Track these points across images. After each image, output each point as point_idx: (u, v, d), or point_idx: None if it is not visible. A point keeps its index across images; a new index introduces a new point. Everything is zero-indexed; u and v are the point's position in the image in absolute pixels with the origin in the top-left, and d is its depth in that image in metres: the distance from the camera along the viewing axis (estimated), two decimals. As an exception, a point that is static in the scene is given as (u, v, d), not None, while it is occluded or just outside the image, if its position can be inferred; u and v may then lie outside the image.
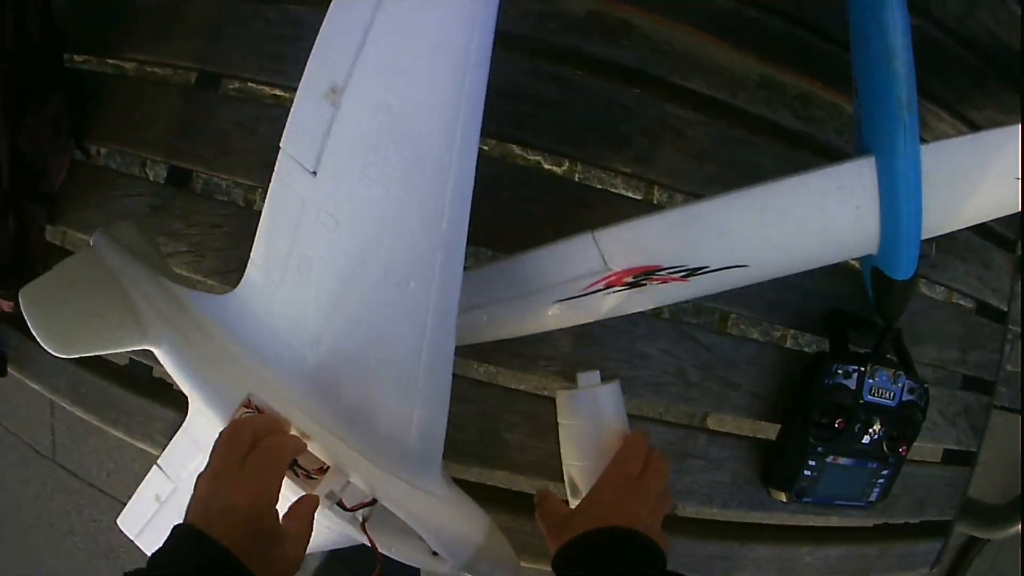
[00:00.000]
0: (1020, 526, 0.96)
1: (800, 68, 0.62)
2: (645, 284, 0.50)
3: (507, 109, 0.57)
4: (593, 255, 0.49)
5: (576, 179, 0.78)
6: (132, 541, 0.54)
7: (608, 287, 0.50)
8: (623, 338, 0.59)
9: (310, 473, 0.46)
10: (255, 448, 0.41)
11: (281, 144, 0.40)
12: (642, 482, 0.47)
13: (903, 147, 0.46)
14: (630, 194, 0.68)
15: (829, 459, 0.59)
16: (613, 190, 0.66)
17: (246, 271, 0.45)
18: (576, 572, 0.43)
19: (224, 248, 0.59)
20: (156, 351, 0.47)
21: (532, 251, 0.50)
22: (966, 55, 0.67)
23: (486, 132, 0.38)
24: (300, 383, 0.46)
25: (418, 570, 0.50)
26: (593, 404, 0.52)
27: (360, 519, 0.46)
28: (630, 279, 0.50)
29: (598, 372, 0.53)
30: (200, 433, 0.48)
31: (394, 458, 0.46)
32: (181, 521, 0.38)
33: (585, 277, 0.50)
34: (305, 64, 0.38)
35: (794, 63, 0.62)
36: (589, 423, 0.52)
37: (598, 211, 0.58)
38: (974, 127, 0.69)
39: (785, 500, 0.61)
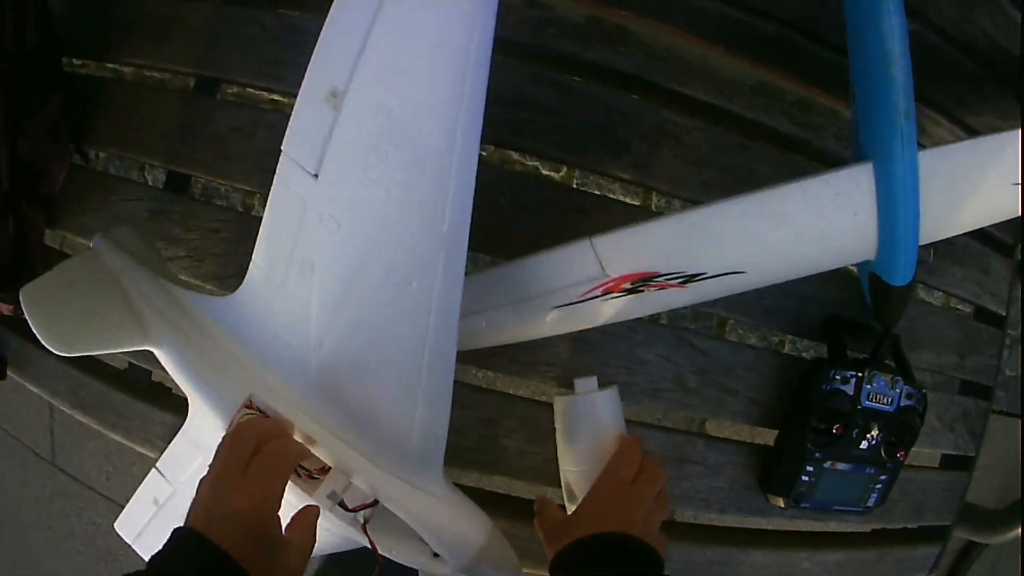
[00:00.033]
0: (1019, 530, 0.96)
1: (798, 74, 0.62)
2: (643, 290, 0.50)
3: (505, 115, 0.57)
4: (591, 261, 0.49)
5: (574, 185, 0.79)
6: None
7: (606, 293, 0.50)
8: (621, 344, 0.59)
9: (312, 473, 0.46)
10: (259, 452, 0.40)
11: (283, 147, 0.40)
12: (637, 486, 0.47)
13: (901, 153, 0.46)
14: (628, 200, 0.68)
15: (827, 464, 0.59)
16: (611, 196, 0.67)
17: (248, 273, 0.45)
18: None
19: (223, 253, 0.60)
20: (157, 352, 0.47)
21: (530, 257, 0.50)
22: (964, 60, 0.67)
23: (484, 138, 0.38)
24: (301, 384, 0.46)
25: (416, 572, 0.50)
26: (590, 410, 0.52)
27: (361, 520, 0.46)
28: (628, 285, 0.50)
29: (595, 378, 0.53)
30: (200, 435, 0.48)
31: (395, 458, 0.46)
32: (179, 525, 0.38)
33: (583, 283, 0.50)
34: (302, 69, 0.38)
35: (792, 69, 0.62)
36: (586, 429, 0.52)
37: (596, 217, 0.58)
38: (972, 132, 0.69)
39: (783, 505, 0.61)
